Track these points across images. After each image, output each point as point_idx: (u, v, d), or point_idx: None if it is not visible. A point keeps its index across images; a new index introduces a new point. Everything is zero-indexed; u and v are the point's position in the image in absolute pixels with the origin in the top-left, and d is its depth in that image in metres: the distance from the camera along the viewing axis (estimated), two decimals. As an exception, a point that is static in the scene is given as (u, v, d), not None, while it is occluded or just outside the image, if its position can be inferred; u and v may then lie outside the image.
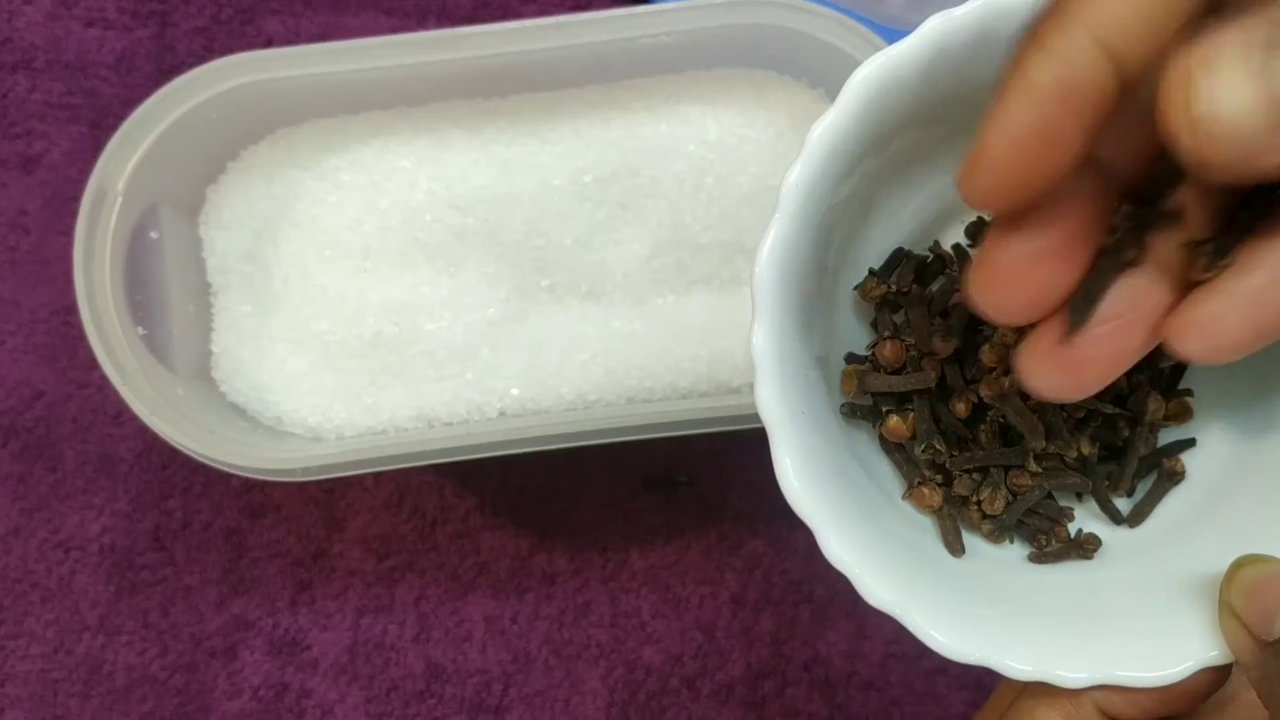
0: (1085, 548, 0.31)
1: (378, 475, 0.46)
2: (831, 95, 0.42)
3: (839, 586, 0.45)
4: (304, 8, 0.47)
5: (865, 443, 0.32)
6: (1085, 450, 0.30)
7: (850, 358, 0.32)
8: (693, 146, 0.41)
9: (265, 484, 0.46)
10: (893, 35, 0.46)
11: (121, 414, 0.46)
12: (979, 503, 0.31)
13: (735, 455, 0.46)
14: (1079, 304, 0.22)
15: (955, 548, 0.30)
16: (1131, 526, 0.31)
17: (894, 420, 0.30)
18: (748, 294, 0.42)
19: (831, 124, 0.25)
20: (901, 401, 0.31)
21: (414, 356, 0.41)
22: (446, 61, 0.39)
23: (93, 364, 0.45)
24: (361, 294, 0.42)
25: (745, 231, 0.41)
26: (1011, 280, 0.22)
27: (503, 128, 0.42)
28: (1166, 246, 0.21)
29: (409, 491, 0.46)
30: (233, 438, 0.40)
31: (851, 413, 0.31)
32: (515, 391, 0.41)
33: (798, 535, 0.45)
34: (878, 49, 0.39)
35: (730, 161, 0.41)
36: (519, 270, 0.42)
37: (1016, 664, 0.26)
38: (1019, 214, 0.21)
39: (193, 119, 0.40)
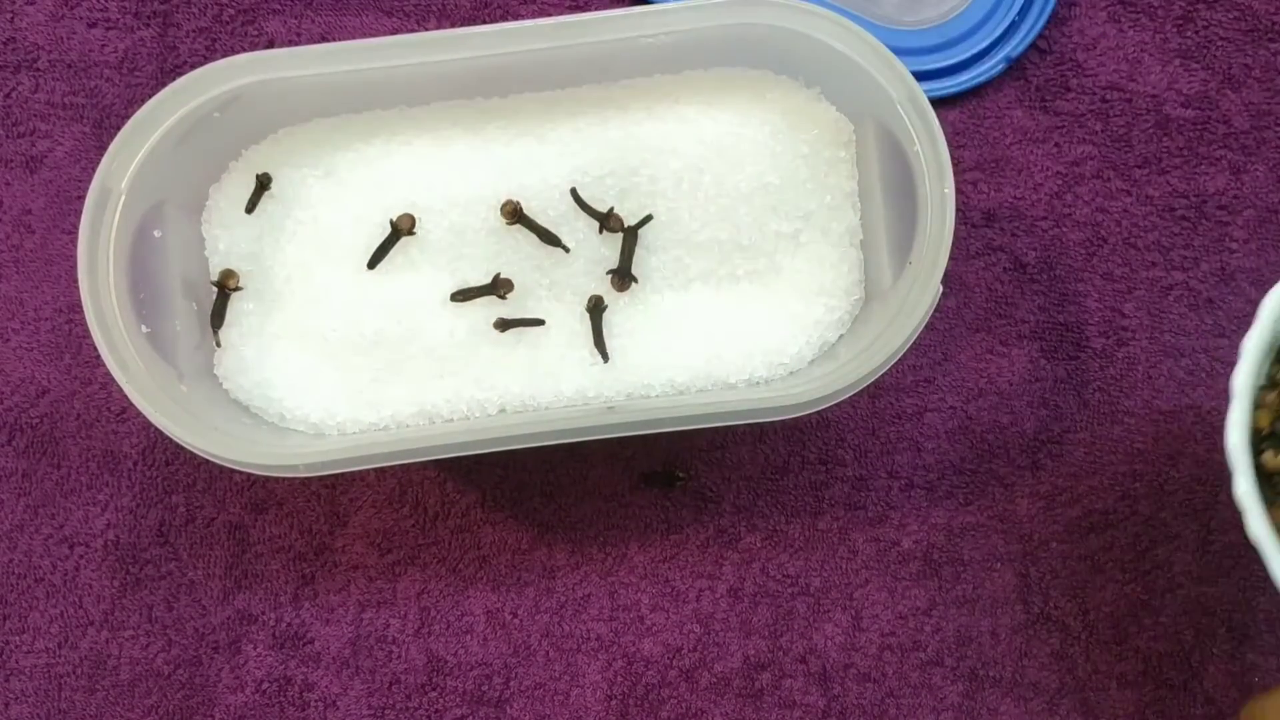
0: None
1: (380, 471, 0.46)
2: (828, 94, 0.42)
3: (834, 579, 0.46)
4: (305, 8, 0.48)
5: None
6: None
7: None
8: (690, 145, 0.42)
9: (268, 480, 0.46)
10: (888, 35, 0.46)
11: (125, 411, 0.46)
12: None
13: (733, 450, 0.46)
14: None
15: None
16: None
17: (1269, 454, 0.37)
18: (744, 291, 0.42)
19: None
20: None
21: (416, 354, 0.42)
22: (447, 61, 0.40)
23: (97, 361, 0.46)
24: (363, 292, 0.42)
25: (741, 229, 0.42)
26: None
27: (503, 127, 0.42)
28: None
29: (410, 487, 0.46)
30: (236, 434, 0.40)
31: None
32: (516, 388, 0.42)
33: (794, 529, 0.46)
34: (873, 49, 0.40)
35: (727, 160, 0.42)
36: (519, 268, 0.42)
37: None
38: None
39: (195, 119, 0.40)
